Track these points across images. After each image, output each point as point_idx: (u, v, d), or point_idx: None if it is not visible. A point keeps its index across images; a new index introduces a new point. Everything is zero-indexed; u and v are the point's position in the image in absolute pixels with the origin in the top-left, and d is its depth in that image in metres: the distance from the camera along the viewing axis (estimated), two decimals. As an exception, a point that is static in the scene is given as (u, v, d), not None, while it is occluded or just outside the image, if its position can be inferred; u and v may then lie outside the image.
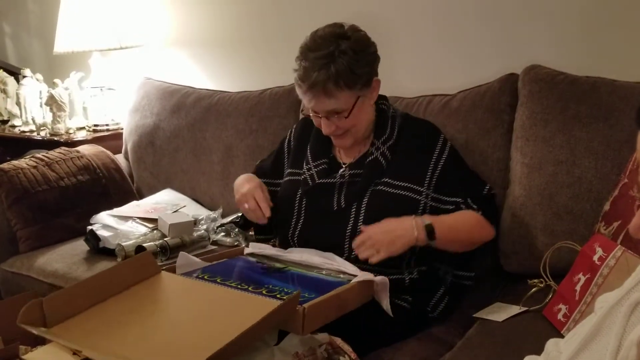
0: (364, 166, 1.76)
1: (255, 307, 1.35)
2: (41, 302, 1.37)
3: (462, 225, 1.70)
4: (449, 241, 1.67)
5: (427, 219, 1.63)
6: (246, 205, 1.77)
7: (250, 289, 1.49)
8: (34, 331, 1.34)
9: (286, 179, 1.89)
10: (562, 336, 1.46)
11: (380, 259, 1.57)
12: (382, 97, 1.83)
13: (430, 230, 1.60)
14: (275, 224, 1.87)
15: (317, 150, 1.84)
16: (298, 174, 1.84)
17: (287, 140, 1.97)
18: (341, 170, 1.79)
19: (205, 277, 1.58)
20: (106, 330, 1.36)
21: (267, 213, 1.75)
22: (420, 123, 1.86)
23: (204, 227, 2.29)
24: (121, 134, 2.97)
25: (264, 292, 1.46)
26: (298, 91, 1.71)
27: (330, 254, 1.65)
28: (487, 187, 1.81)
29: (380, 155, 1.75)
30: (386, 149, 1.75)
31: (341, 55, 1.64)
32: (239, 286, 1.50)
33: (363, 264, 1.60)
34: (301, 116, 1.83)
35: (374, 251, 1.57)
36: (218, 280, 1.55)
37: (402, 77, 2.42)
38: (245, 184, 1.83)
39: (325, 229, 1.73)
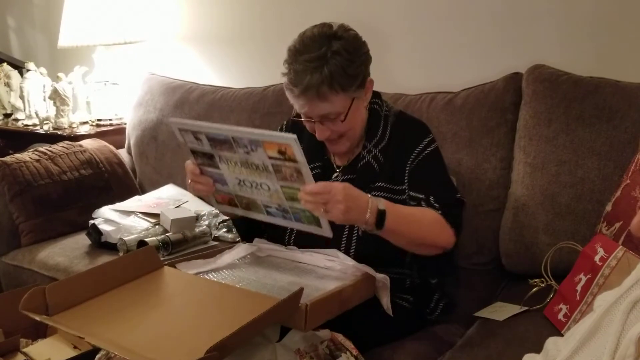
0: (357, 171, 1.70)
1: (257, 302, 1.35)
2: (44, 289, 1.38)
3: (417, 220, 1.56)
4: (398, 234, 1.53)
5: (382, 203, 1.48)
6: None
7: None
8: (36, 318, 1.35)
9: None
10: (562, 336, 1.47)
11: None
12: (375, 95, 1.74)
13: (381, 218, 1.46)
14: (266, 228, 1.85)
15: (309, 152, 1.72)
16: None
17: None
18: (334, 175, 1.74)
19: None
20: (107, 320, 1.37)
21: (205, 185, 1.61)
22: (413, 123, 1.76)
23: (206, 222, 2.29)
24: (124, 128, 2.98)
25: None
26: (289, 95, 1.62)
27: (333, 250, 1.64)
28: (458, 195, 1.67)
29: (373, 159, 1.69)
30: (378, 152, 1.69)
31: (334, 56, 1.55)
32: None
33: (364, 261, 1.59)
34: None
35: (321, 208, 1.41)
36: None
37: (405, 74, 2.42)
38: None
39: (320, 237, 1.66)
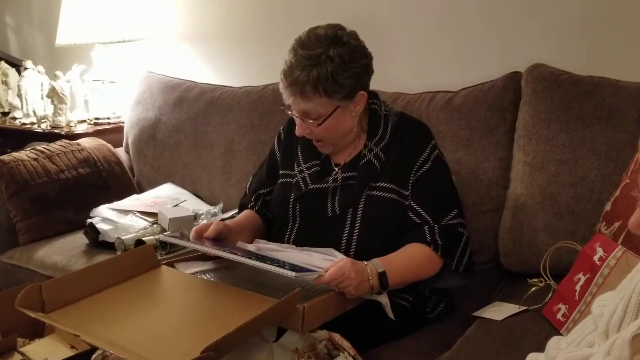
0: (358, 169, 1.70)
1: (254, 303, 1.34)
2: (40, 287, 1.37)
3: (412, 267, 1.61)
4: (399, 284, 1.59)
5: (380, 265, 1.54)
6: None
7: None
8: (32, 315, 1.34)
9: (279, 181, 1.83)
10: (561, 335, 1.46)
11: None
12: (373, 96, 1.74)
13: (382, 279, 1.52)
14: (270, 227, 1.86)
15: (308, 150, 1.78)
16: (290, 176, 1.79)
17: (276, 143, 1.90)
18: (334, 173, 1.73)
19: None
20: (103, 318, 1.37)
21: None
22: (415, 125, 1.77)
23: (204, 221, 2.29)
24: (122, 127, 2.97)
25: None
26: (280, 84, 1.65)
27: (330, 250, 1.64)
28: (453, 213, 1.67)
29: (374, 157, 1.69)
30: (379, 151, 1.69)
31: (327, 61, 1.56)
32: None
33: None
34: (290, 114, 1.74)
35: (336, 288, 1.47)
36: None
37: (404, 74, 2.42)
38: None
39: (320, 235, 1.69)
